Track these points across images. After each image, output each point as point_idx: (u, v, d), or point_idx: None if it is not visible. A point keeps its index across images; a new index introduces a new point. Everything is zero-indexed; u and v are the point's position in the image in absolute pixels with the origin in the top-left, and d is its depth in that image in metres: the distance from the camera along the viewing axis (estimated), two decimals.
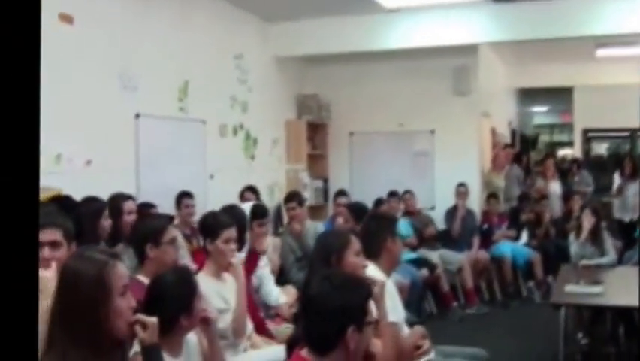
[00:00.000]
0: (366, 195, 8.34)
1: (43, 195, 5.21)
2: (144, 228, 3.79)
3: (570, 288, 5.34)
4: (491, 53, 10.92)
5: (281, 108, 9.35)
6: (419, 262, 7.83)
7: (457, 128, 9.43)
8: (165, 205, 6.51)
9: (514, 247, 8.79)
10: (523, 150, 14.39)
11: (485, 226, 8.96)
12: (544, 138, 19.51)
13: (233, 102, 8.17)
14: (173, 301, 2.83)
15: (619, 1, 7.52)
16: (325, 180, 9.94)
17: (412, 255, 7.99)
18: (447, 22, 8.10)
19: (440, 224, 9.05)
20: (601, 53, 10.95)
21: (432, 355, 3.60)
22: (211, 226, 4.01)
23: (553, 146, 18.92)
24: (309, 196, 9.25)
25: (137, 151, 6.60)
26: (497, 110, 11.57)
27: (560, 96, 14.70)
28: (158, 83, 6.86)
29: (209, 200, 7.14)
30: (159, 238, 3.60)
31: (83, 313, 2.11)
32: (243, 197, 7.31)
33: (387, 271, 3.61)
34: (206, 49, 7.67)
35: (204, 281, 3.72)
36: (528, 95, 15.52)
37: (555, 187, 10.38)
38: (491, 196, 9.29)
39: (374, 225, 3.76)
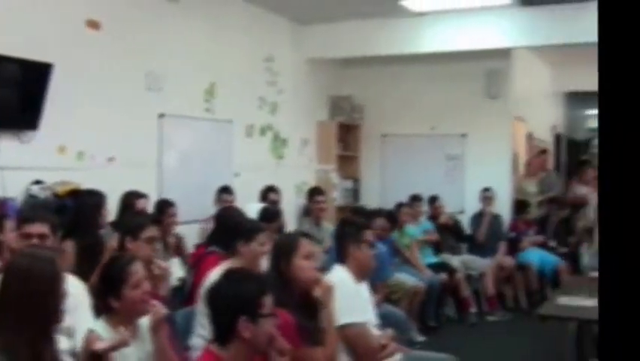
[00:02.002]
0: (398, 197, 8.43)
1: (62, 189, 5.50)
2: (125, 222, 4.00)
3: (561, 300, 5.28)
4: (532, 56, 10.82)
5: (312, 109, 9.45)
6: (439, 267, 7.86)
7: (488, 132, 9.38)
8: (189, 202, 6.73)
9: (543, 254, 8.68)
10: (570, 155, 14.18)
11: (512, 234, 8.88)
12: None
13: (262, 103, 8.32)
14: (103, 282, 3.09)
15: None
16: (356, 181, 10.01)
17: (433, 259, 8.03)
18: (476, 26, 8.08)
19: (468, 229, 9.03)
20: None
21: (397, 357, 3.68)
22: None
23: None
24: (337, 196, 9.36)
25: (161, 150, 6.81)
26: (536, 115, 11.44)
27: None
28: (185, 85, 7.08)
29: (235, 198, 7.30)
30: (138, 233, 3.84)
31: (38, 301, 2.33)
32: (265, 197, 7.48)
33: (358, 277, 3.69)
34: (235, 51, 7.86)
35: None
36: (582, 99, 15.20)
37: (592, 194, 10.18)
38: (520, 203, 9.22)
39: (339, 231, 3.87)
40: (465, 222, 9.13)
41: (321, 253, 6.00)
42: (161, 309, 3.04)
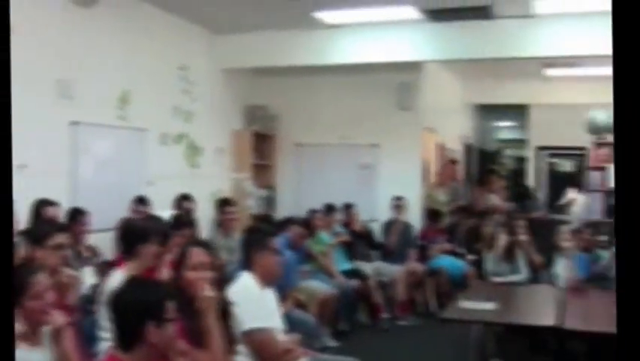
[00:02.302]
0: (313, 205, 8.53)
1: None
2: (32, 231, 4.01)
3: (463, 304, 5.51)
4: (442, 69, 11.17)
5: (227, 118, 9.53)
6: (352, 273, 8.03)
7: (400, 142, 9.67)
8: (104, 211, 6.69)
9: (452, 261, 8.95)
10: (482, 165, 14.64)
11: (423, 241, 9.14)
12: (510, 153, 19.70)
13: (176, 112, 8.34)
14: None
15: (560, 24, 7.74)
16: (271, 190, 10.12)
17: (347, 266, 8.19)
18: (387, 40, 8.31)
19: (380, 237, 9.24)
20: (550, 72, 11.23)
21: None
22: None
23: (520, 161, 19.10)
24: (253, 205, 9.44)
25: (74, 158, 6.76)
26: (448, 126, 11.80)
27: (520, 113, 14.94)
28: (97, 92, 7.04)
29: (151, 208, 7.29)
30: (44, 241, 3.86)
31: None
32: (179, 205, 7.50)
33: (263, 283, 3.80)
34: (150, 60, 7.85)
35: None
36: (491, 111, 15.74)
37: (498, 203, 10.56)
38: (434, 212, 9.50)
39: (245, 238, 3.98)
40: (377, 230, 9.35)
41: (231, 262, 6.12)
42: (60, 319, 3.06)
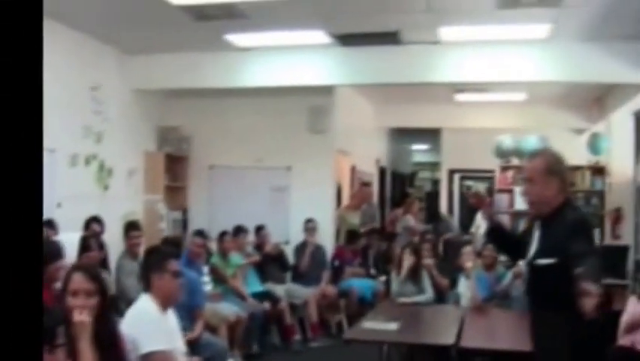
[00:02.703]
0: (226, 227, 8.49)
1: None
2: None
3: (367, 324, 5.60)
4: (355, 93, 11.36)
5: (140, 140, 9.45)
6: (264, 295, 8.06)
7: (312, 165, 9.77)
8: None
9: (364, 281, 9.08)
10: (396, 188, 14.92)
11: (336, 263, 9.25)
12: (424, 176, 20.09)
13: (87, 132, 8.22)
14: None
15: (466, 52, 7.99)
16: (184, 212, 10.07)
17: (258, 287, 8.21)
18: (299, 64, 8.45)
19: (292, 259, 9.29)
20: (460, 97, 11.55)
21: None
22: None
23: (434, 183, 19.50)
24: (165, 227, 9.37)
25: None
26: (361, 149, 11.99)
27: (433, 136, 15.28)
28: None
29: (57, 231, 7.14)
30: None
31: None
32: (88, 228, 7.37)
33: (163, 305, 3.79)
34: (60, 78, 7.68)
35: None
36: (406, 134, 16.03)
37: (413, 224, 10.76)
38: (348, 232, 9.62)
39: (144, 260, 3.97)
40: (290, 252, 9.39)
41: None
42: None
